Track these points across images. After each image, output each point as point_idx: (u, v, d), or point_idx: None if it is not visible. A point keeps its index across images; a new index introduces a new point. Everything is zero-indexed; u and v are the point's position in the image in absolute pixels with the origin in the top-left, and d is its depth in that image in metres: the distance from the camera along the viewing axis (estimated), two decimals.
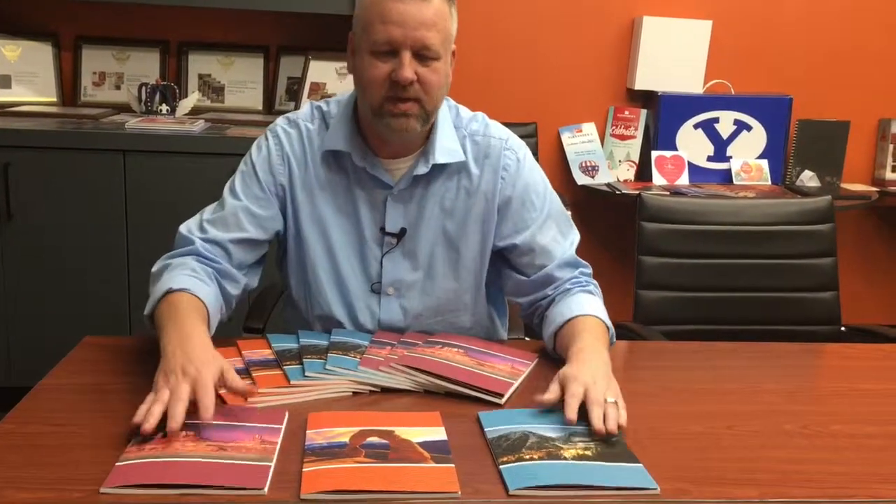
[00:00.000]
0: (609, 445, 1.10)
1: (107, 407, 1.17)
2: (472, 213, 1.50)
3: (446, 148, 1.46)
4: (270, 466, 1.02)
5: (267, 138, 1.50)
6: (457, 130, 1.49)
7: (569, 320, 1.41)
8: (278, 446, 1.07)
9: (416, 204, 1.48)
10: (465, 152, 1.48)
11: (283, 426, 1.12)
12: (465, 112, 1.53)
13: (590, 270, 1.54)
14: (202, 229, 1.44)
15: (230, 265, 1.44)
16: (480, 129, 1.51)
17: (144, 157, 2.61)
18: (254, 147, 1.51)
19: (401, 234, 1.48)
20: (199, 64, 3.11)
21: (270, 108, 3.15)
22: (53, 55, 3.04)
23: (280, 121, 1.52)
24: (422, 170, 1.45)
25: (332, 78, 2.98)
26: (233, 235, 1.44)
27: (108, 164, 2.60)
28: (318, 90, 2.98)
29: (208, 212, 1.48)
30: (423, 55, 1.34)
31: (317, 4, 2.83)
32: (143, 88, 2.93)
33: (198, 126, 2.77)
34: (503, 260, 1.57)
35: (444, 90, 1.41)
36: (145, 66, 3.07)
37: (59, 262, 2.65)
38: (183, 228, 1.45)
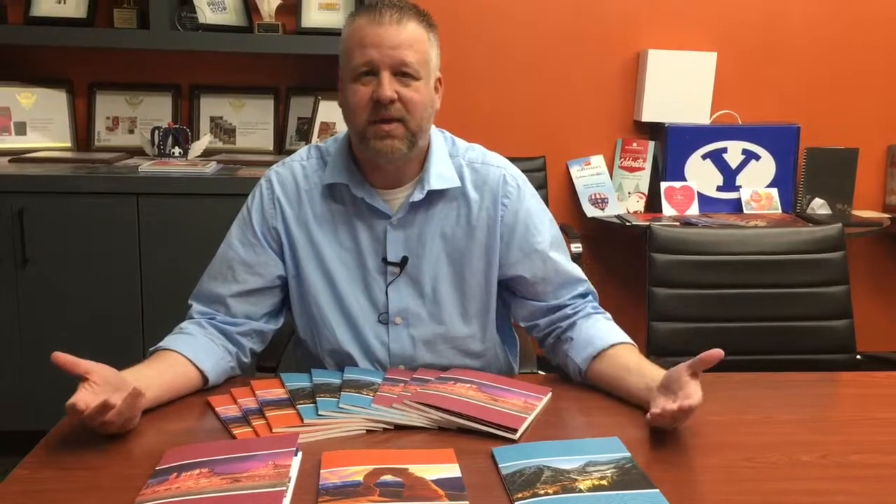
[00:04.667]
0: (625, 473, 1.09)
1: (121, 450, 1.17)
2: (474, 240, 1.51)
3: (441, 174, 1.49)
4: (285, 490, 1.02)
5: (260, 185, 1.55)
6: (452, 159, 1.52)
7: (611, 346, 1.43)
8: (293, 469, 1.08)
9: (417, 232, 1.50)
10: (462, 179, 1.51)
11: (297, 448, 1.13)
12: (461, 143, 1.57)
13: (595, 293, 1.59)
14: (198, 294, 1.52)
15: (228, 316, 1.49)
16: (478, 158, 1.54)
17: (158, 200, 2.64)
18: (250, 195, 1.55)
19: (403, 264, 1.50)
20: (211, 106, 3.15)
21: (281, 148, 3.18)
22: (67, 101, 3.09)
23: (273, 166, 1.57)
24: (417, 196, 1.47)
25: (341, 118, 2.98)
26: (231, 289, 1.50)
27: (122, 207, 2.63)
28: (327, 130, 3.01)
29: (209, 268, 1.53)
30: (402, 73, 1.39)
31: (325, 46, 2.87)
32: (156, 132, 2.97)
33: (210, 168, 2.80)
34: (513, 291, 1.57)
35: (429, 112, 1.44)
36: (158, 109, 3.12)
37: (74, 306, 2.66)
38: (190, 299, 1.53)
